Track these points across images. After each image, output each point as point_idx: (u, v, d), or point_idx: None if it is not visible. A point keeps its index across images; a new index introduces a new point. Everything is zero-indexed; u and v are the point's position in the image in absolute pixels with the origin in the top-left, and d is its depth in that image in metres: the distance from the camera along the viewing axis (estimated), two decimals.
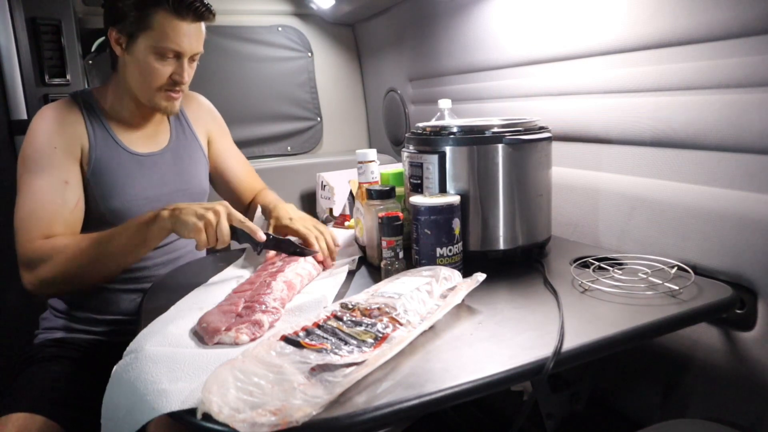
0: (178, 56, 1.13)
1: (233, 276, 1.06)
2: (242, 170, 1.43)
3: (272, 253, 1.10)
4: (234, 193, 1.42)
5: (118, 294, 1.21)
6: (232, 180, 1.41)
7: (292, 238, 1.11)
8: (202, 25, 1.15)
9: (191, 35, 1.12)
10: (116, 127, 1.21)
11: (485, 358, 0.69)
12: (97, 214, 1.16)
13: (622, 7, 1.06)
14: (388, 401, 0.60)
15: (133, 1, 1.08)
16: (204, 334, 0.78)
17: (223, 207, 1.00)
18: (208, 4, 1.13)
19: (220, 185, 1.43)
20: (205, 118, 1.39)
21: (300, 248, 1.06)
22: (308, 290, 0.98)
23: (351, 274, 1.07)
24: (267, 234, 1.04)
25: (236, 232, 1.02)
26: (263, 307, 0.83)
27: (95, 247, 1.04)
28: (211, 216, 0.97)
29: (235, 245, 1.09)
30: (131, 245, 1.04)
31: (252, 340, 0.77)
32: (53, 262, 1.04)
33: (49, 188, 1.10)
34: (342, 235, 1.26)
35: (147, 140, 1.25)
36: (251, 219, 1.32)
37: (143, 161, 1.22)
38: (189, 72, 1.17)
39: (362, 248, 1.16)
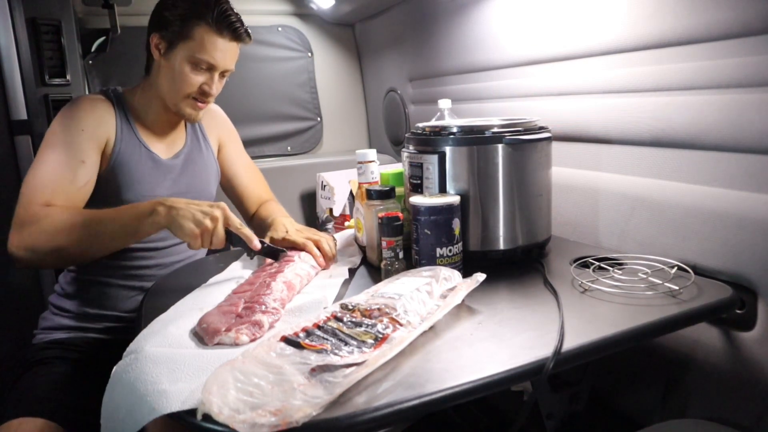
0: (211, 69, 1.19)
1: (233, 277, 1.06)
2: (250, 180, 1.45)
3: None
4: (240, 201, 1.44)
5: (118, 291, 1.22)
6: (239, 188, 1.44)
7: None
8: (238, 45, 1.22)
9: (226, 52, 1.19)
10: (140, 128, 1.25)
11: (485, 358, 0.69)
12: (106, 203, 1.15)
13: (622, 7, 1.06)
14: (388, 401, 0.60)
15: (179, 12, 1.15)
16: (204, 335, 0.78)
17: (220, 212, 1.00)
18: (247, 28, 1.21)
19: (228, 191, 1.46)
20: (218, 126, 1.43)
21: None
22: (308, 290, 0.98)
23: (351, 274, 1.07)
24: (262, 242, 1.05)
25: (231, 236, 1.01)
26: (263, 307, 0.83)
27: (87, 225, 1.04)
28: (208, 222, 0.98)
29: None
30: (122, 232, 1.04)
31: (252, 340, 0.77)
32: (42, 228, 1.04)
33: (65, 163, 1.12)
34: (342, 236, 1.26)
35: (165, 145, 1.29)
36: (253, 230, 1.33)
37: (160, 163, 1.25)
38: (218, 86, 1.22)
39: (362, 248, 1.16)
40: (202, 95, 1.21)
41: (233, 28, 1.18)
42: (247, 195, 1.44)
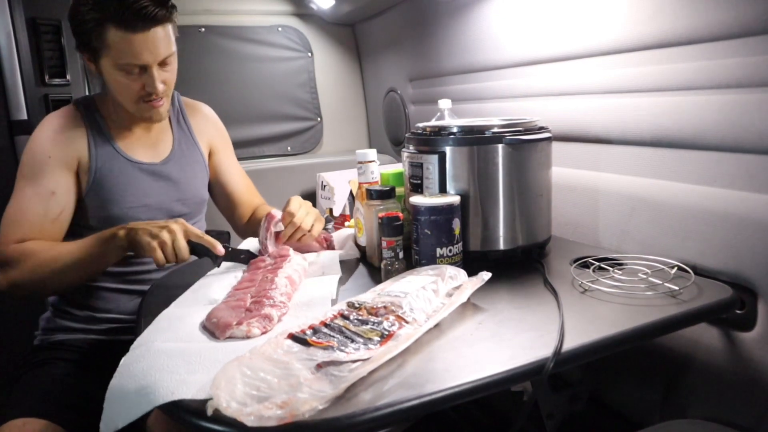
0: (144, 68, 1.09)
1: (231, 274, 1.07)
2: (242, 185, 1.43)
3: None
4: (232, 206, 1.41)
5: (117, 294, 1.22)
6: (232, 194, 1.41)
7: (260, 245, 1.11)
8: (166, 26, 1.09)
9: (150, 44, 1.06)
10: (118, 136, 1.21)
11: (485, 358, 0.69)
12: (96, 220, 1.17)
13: (622, 7, 1.06)
14: (388, 401, 0.60)
15: (86, 22, 1.06)
16: (215, 329, 0.79)
17: (178, 224, 1.00)
18: (162, 1, 1.06)
19: (219, 198, 1.42)
20: (210, 130, 1.38)
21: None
22: (305, 287, 0.98)
23: (350, 272, 1.07)
24: (225, 246, 1.04)
25: (195, 247, 1.01)
26: (271, 301, 0.85)
27: (59, 258, 1.06)
28: (165, 235, 0.97)
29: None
30: (90, 260, 1.05)
31: (263, 333, 0.78)
32: (21, 266, 1.06)
33: (35, 197, 1.11)
34: (339, 236, 1.25)
35: (149, 149, 1.25)
36: (254, 233, 1.33)
37: (144, 169, 1.22)
38: (166, 76, 1.13)
39: (362, 248, 1.16)
40: (150, 95, 1.12)
41: (142, 15, 1.03)
42: (241, 201, 1.41)
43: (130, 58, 1.06)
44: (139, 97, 1.12)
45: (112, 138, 1.20)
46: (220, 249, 1.02)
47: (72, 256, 1.05)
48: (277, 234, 1.13)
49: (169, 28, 1.10)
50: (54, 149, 1.13)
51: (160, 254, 0.97)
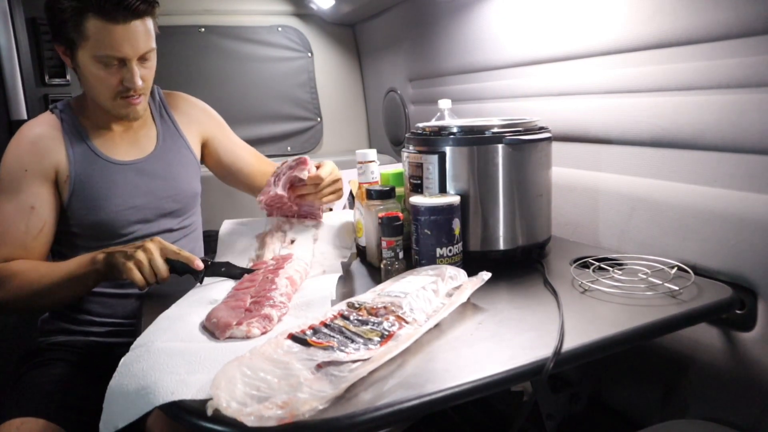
0: (123, 61, 1.07)
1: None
2: (252, 158, 1.41)
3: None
4: (249, 180, 1.40)
5: (116, 299, 1.21)
6: (246, 169, 1.39)
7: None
8: (146, 20, 1.07)
9: (130, 37, 1.04)
10: (96, 138, 1.18)
11: (485, 359, 0.69)
12: (84, 227, 1.16)
13: (622, 7, 1.06)
14: (388, 401, 0.60)
15: (64, 12, 1.03)
16: (215, 330, 0.79)
17: (154, 243, 0.97)
18: None
19: (234, 177, 1.40)
20: (199, 119, 1.35)
21: (241, 269, 1.04)
22: (306, 287, 0.98)
23: (350, 272, 1.07)
24: (205, 260, 1.01)
25: (174, 265, 0.99)
26: (271, 301, 0.85)
27: (41, 280, 1.04)
28: (141, 255, 0.95)
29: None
30: (71, 284, 1.03)
31: (263, 333, 0.78)
32: (5, 287, 1.05)
33: (15, 213, 1.10)
34: (335, 225, 1.23)
35: (130, 147, 1.22)
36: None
37: (127, 169, 1.19)
38: (145, 73, 1.11)
39: (362, 248, 1.16)
40: (129, 91, 1.09)
41: (123, 6, 1.01)
42: (253, 173, 1.39)
43: (110, 50, 1.04)
44: (117, 92, 1.10)
45: (91, 140, 1.17)
46: (198, 264, 0.99)
47: (54, 278, 1.04)
48: (295, 179, 1.10)
49: (150, 23, 1.09)
50: (29, 162, 1.11)
51: (137, 274, 0.95)
